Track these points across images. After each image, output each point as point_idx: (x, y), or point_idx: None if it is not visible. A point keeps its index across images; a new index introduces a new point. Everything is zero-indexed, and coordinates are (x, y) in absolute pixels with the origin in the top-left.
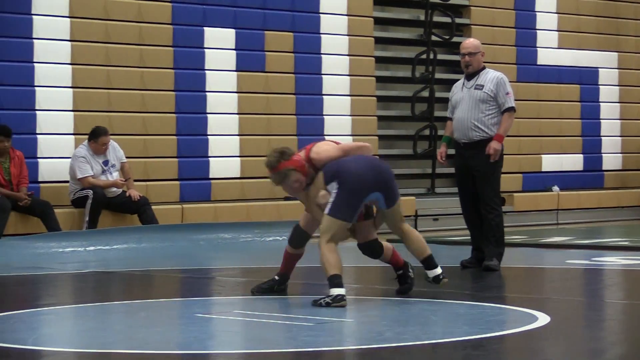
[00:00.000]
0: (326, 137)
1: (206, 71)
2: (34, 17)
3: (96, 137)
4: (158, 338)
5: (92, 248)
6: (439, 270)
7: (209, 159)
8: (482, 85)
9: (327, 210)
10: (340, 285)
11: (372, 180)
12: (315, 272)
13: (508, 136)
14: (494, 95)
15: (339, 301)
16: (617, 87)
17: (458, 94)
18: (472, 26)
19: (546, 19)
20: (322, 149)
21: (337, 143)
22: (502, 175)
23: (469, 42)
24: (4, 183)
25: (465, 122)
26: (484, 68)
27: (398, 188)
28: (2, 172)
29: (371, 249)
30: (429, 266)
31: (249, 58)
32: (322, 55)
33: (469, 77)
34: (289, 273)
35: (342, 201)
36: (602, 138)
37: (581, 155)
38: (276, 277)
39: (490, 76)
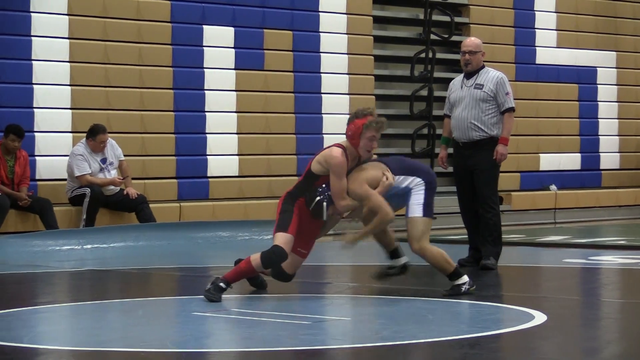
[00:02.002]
0: (325, 136)
1: (205, 69)
2: (32, 14)
3: (94, 135)
4: (155, 336)
5: (89, 246)
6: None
7: (207, 157)
8: (482, 85)
9: (420, 213)
10: (462, 274)
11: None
12: (313, 270)
13: None
14: (493, 95)
15: (472, 285)
16: (616, 87)
17: (457, 92)
18: (471, 25)
19: (545, 18)
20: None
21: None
22: (500, 174)
23: (470, 41)
24: (6, 181)
25: (464, 121)
26: (483, 67)
27: None
28: (6, 170)
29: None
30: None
31: (248, 56)
32: (321, 54)
33: (469, 75)
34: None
35: (432, 201)
36: (600, 137)
37: (579, 155)
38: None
39: (491, 76)
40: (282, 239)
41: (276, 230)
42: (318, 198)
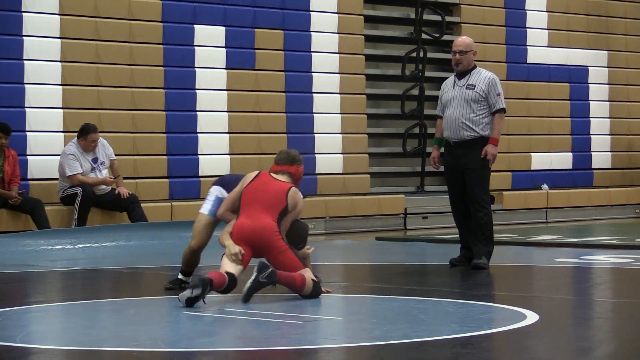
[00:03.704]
0: (316, 135)
1: (196, 69)
2: (24, 14)
3: (85, 135)
4: (147, 336)
5: (81, 246)
6: None
7: (199, 156)
8: (474, 85)
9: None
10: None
11: None
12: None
13: None
14: (485, 96)
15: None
16: (607, 86)
17: (449, 92)
18: (462, 24)
19: (536, 18)
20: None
21: None
22: (492, 173)
23: (461, 40)
24: None
25: (456, 121)
26: (475, 67)
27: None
28: None
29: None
30: None
31: (239, 55)
32: (312, 53)
33: (460, 75)
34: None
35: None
36: (592, 136)
37: (571, 154)
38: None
39: (483, 76)
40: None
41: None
42: None
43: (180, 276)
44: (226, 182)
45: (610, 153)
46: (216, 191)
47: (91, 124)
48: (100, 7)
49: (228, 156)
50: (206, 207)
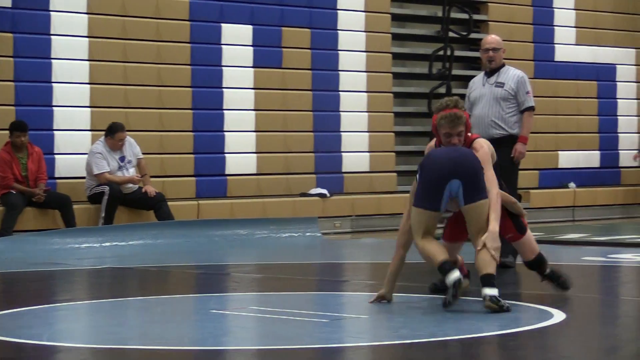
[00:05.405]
0: (342, 134)
1: (223, 67)
2: (52, 13)
3: (113, 133)
4: (173, 334)
5: (108, 244)
6: (493, 292)
7: (225, 155)
8: (503, 83)
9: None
10: (449, 270)
11: (447, 167)
12: (330, 268)
13: None
14: (514, 94)
15: (458, 286)
16: (635, 84)
17: (478, 90)
18: (490, 22)
19: (564, 16)
20: (486, 147)
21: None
22: (519, 171)
23: (493, 38)
24: (20, 179)
25: (485, 119)
26: (504, 65)
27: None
28: (19, 168)
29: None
30: (485, 284)
31: (266, 54)
32: (339, 52)
33: (490, 73)
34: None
35: (423, 190)
36: (619, 135)
37: (598, 152)
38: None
39: (512, 74)
40: None
41: None
42: None
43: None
44: None
45: (638, 151)
46: None
47: (118, 122)
48: (128, 5)
49: (255, 154)
50: None
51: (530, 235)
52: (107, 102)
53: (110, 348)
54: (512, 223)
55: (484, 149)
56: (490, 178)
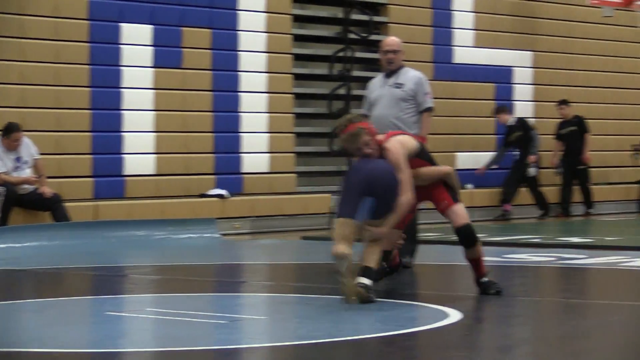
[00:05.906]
0: (242, 135)
1: (122, 67)
2: None
3: (8, 133)
4: (69, 336)
5: (2, 245)
6: (366, 281)
7: (124, 155)
8: (402, 84)
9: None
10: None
11: (362, 183)
12: (228, 269)
13: None
14: (413, 95)
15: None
16: (532, 86)
17: (377, 91)
18: (390, 24)
19: (462, 18)
20: (395, 150)
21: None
22: None
23: (393, 40)
24: None
25: (384, 119)
26: (403, 67)
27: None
28: None
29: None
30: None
31: (166, 54)
32: (239, 52)
33: (389, 75)
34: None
35: (342, 198)
36: None
37: (496, 153)
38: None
39: (411, 75)
40: None
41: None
42: None
43: None
44: None
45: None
46: None
47: (14, 122)
48: (26, 4)
49: (154, 155)
50: None
51: (463, 206)
52: (3, 102)
53: (4, 351)
54: (447, 192)
55: (392, 152)
56: (404, 181)
